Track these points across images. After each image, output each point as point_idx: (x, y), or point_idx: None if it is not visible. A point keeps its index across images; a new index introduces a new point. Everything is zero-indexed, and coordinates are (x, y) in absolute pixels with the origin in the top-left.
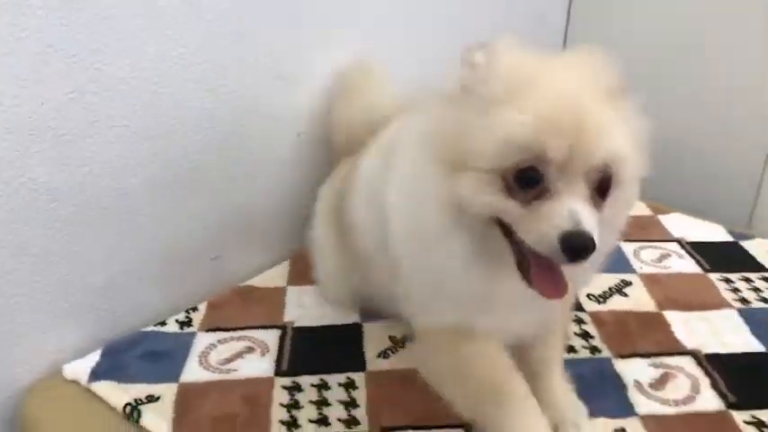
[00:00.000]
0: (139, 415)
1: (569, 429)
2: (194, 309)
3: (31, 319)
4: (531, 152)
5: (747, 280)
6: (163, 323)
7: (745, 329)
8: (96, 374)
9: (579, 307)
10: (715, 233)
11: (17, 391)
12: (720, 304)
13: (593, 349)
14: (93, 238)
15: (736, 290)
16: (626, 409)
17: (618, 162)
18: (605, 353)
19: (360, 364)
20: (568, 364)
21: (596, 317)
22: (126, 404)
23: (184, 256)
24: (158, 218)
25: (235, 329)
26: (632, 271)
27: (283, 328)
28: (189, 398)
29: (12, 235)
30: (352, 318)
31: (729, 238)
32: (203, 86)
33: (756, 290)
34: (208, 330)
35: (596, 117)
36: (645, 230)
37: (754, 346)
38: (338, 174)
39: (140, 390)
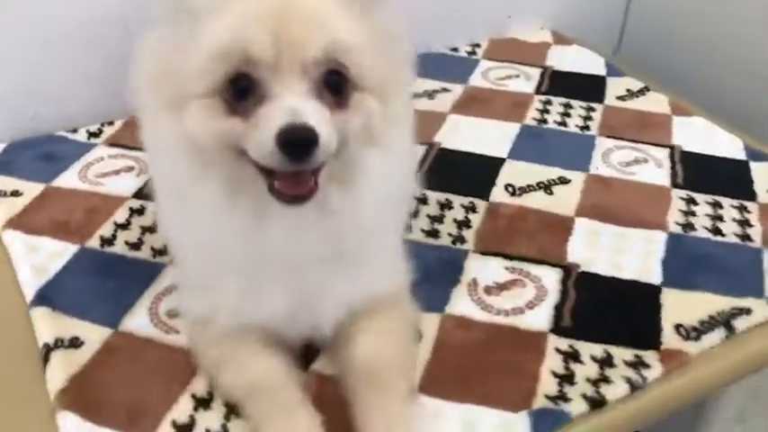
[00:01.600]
0: None
1: None
2: (111, 123)
3: None
4: (236, 57)
5: (716, 205)
6: (75, 130)
7: (657, 256)
8: None
9: (484, 196)
10: (726, 147)
11: None
12: (656, 225)
13: (459, 239)
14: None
15: (691, 213)
16: (439, 305)
17: (343, 53)
18: (468, 245)
19: None
20: (421, 247)
21: (495, 208)
22: None
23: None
24: None
25: (133, 149)
26: (583, 169)
27: None
28: (48, 196)
29: None
30: None
31: (740, 156)
32: None
33: (716, 218)
34: (110, 145)
35: (307, 4)
36: (643, 131)
37: (648, 276)
38: None
39: (9, 184)
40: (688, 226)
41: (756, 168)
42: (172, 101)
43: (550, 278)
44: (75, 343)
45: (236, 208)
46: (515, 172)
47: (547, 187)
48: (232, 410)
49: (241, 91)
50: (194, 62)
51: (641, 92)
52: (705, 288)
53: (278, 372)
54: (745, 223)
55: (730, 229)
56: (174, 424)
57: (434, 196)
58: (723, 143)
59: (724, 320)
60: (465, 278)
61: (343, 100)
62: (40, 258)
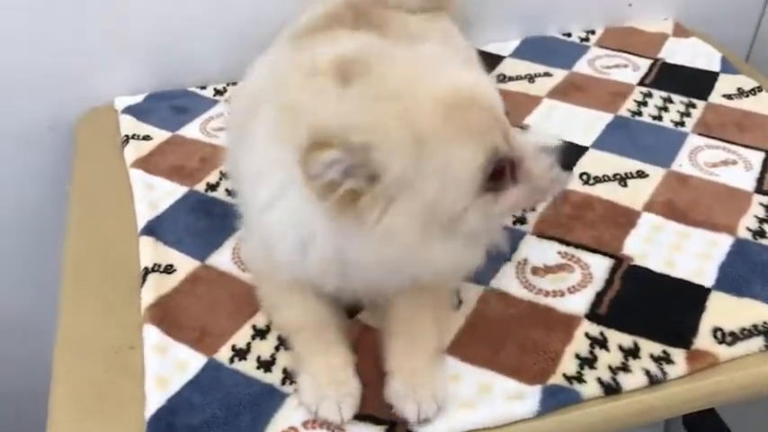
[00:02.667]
0: (126, 144)
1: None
2: (235, 82)
3: (98, 59)
4: (489, 157)
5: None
6: (204, 87)
7: (717, 259)
8: (128, 109)
9: None
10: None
11: (78, 116)
12: (725, 228)
13: (520, 220)
14: None
15: None
16: (485, 278)
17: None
18: (527, 227)
19: None
20: None
21: (564, 195)
22: (124, 135)
23: (244, 29)
24: None
25: None
26: (665, 165)
27: None
28: (172, 143)
29: None
30: None
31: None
32: None
33: None
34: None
35: (480, 87)
36: (742, 132)
37: (701, 277)
38: None
39: (144, 129)
40: (759, 233)
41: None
42: (445, 228)
43: (600, 266)
44: (168, 269)
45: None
46: (594, 161)
47: (622, 179)
48: (282, 343)
49: (498, 173)
50: (451, 186)
51: (753, 91)
52: (758, 297)
53: (322, 314)
54: None
55: None
56: (234, 348)
57: None
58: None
59: (766, 330)
60: (516, 257)
61: None
62: (155, 195)
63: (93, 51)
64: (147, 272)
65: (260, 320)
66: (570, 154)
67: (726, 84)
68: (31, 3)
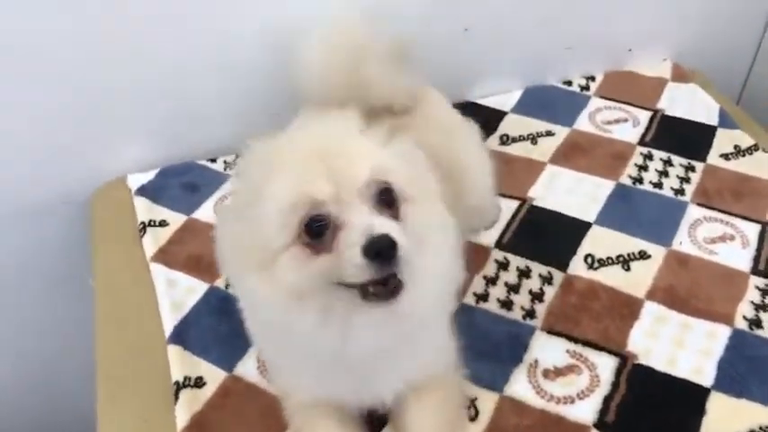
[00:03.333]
0: (144, 233)
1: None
2: None
3: (110, 136)
4: (303, 204)
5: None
6: (213, 160)
7: (715, 355)
8: (142, 190)
9: (563, 265)
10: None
11: (93, 188)
12: (722, 317)
13: (529, 314)
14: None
15: (763, 307)
16: (500, 384)
17: (384, 173)
18: (537, 321)
19: None
20: (495, 321)
21: (570, 281)
22: (141, 222)
23: (256, 106)
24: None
25: None
26: (666, 243)
27: None
28: (188, 229)
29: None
30: None
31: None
32: None
33: None
34: None
35: (344, 145)
36: (739, 200)
37: (700, 376)
38: None
39: (159, 213)
40: (755, 323)
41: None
42: (259, 263)
43: (606, 367)
44: (198, 383)
45: (327, 327)
46: (598, 240)
47: (625, 262)
48: None
49: (317, 231)
50: (271, 222)
51: (749, 150)
52: (756, 398)
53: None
54: None
55: None
56: None
57: (515, 262)
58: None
59: None
60: (528, 358)
61: (396, 212)
62: (178, 294)
63: (104, 125)
64: (178, 387)
65: None
66: (383, 246)
67: (724, 141)
68: (43, 76)
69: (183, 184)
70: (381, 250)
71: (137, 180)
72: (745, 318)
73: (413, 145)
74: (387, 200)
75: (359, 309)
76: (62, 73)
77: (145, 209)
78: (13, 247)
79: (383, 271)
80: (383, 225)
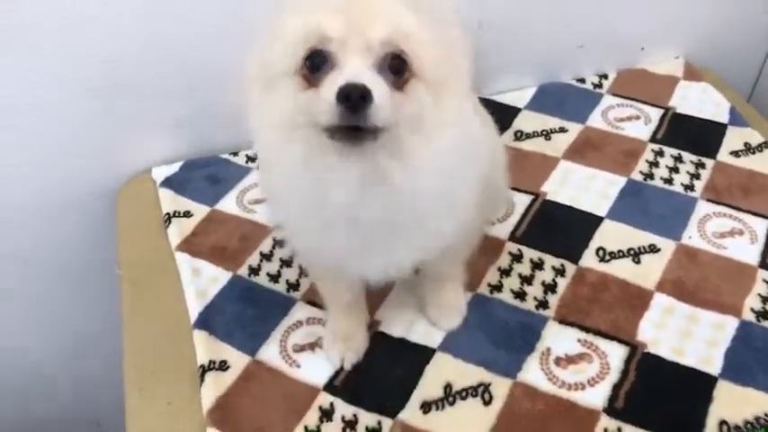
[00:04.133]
0: (169, 224)
1: (433, 311)
2: None
3: (135, 131)
4: (312, 37)
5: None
6: (236, 153)
7: (723, 345)
8: (166, 181)
9: (575, 258)
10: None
11: (120, 182)
12: (730, 308)
13: (542, 304)
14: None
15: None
16: (513, 371)
17: (404, 40)
18: (550, 312)
19: None
20: (509, 310)
21: (582, 273)
22: (166, 213)
23: None
24: None
25: None
26: (675, 238)
27: None
28: (211, 220)
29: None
30: None
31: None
32: None
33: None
34: None
35: None
36: (748, 196)
37: (708, 365)
38: None
39: (183, 204)
40: (762, 315)
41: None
42: (266, 85)
43: (616, 355)
44: (222, 366)
45: (309, 171)
46: (610, 234)
47: (636, 255)
48: None
49: (316, 65)
50: (279, 47)
51: (759, 148)
52: (762, 387)
53: (349, 294)
54: None
55: None
56: None
57: (529, 254)
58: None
59: (765, 424)
60: (540, 346)
61: (401, 83)
62: (202, 283)
63: (130, 121)
64: (204, 370)
65: (310, 420)
66: (356, 93)
67: (734, 138)
68: (72, 76)
69: (205, 176)
70: (351, 96)
71: (161, 173)
72: (752, 310)
73: (457, 25)
74: (396, 67)
75: (334, 158)
76: (90, 72)
77: (169, 200)
78: (47, 240)
79: (350, 119)
80: (368, 77)
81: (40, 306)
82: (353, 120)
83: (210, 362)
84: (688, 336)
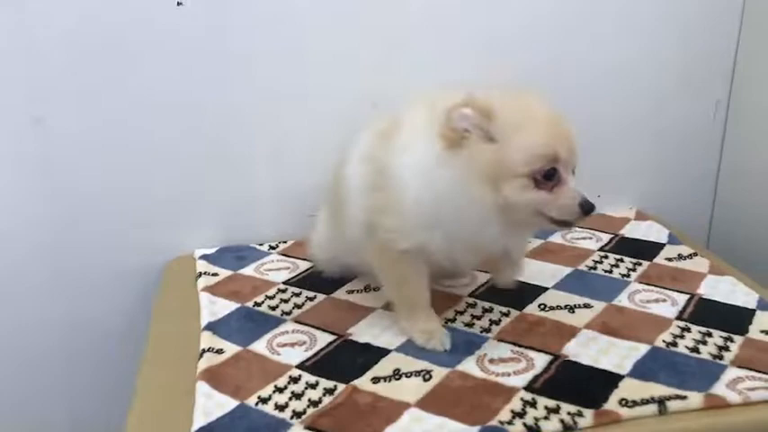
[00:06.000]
0: (198, 278)
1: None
2: (285, 241)
3: (184, 220)
4: (551, 157)
5: (707, 334)
6: (261, 244)
7: (634, 358)
8: (204, 256)
9: (520, 308)
10: (742, 298)
11: (168, 261)
12: (645, 340)
13: (486, 330)
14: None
15: (681, 336)
16: (452, 364)
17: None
18: (491, 335)
19: None
20: (458, 332)
21: (524, 315)
22: (198, 272)
23: (293, 204)
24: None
25: (301, 258)
26: (607, 300)
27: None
28: (232, 279)
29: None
30: None
31: (751, 305)
32: None
33: (701, 342)
34: (280, 254)
35: (572, 132)
36: (675, 282)
37: (619, 369)
38: None
39: (213, 269)
40: (672, 344)
41: (761, 315)
42: (492, 179)
43: (542, 360)
44: (218, 351)
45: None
46: (552, 296)
47: (572, 309)
48: (294, 396)
49: (549, 176)
50: (519, 156)
51: (689, 256)
52: (662, 382)
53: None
54: (723, 348)
55: (708, 350)
56: (259, 397)
57: (482, 304)
58: (741, 294)
59: (659, 400)
60: (479, 352)
61: None
62: (216, 308)
63: (180, 213)
64: (203, 351)
65: (280, 383)
66: (591, 209)
67: (669, 251)
68: (134, 172)
69: (235, 256)
70: (589, 209)
71: (201, 251)
72: (664, 341)
73: None
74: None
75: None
76: (148, 170)
77: (203, 266)
78: (97, 308)
79: (584, 217)
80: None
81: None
82: (584, 217)
83: (209, 347)
84: (606, 352)
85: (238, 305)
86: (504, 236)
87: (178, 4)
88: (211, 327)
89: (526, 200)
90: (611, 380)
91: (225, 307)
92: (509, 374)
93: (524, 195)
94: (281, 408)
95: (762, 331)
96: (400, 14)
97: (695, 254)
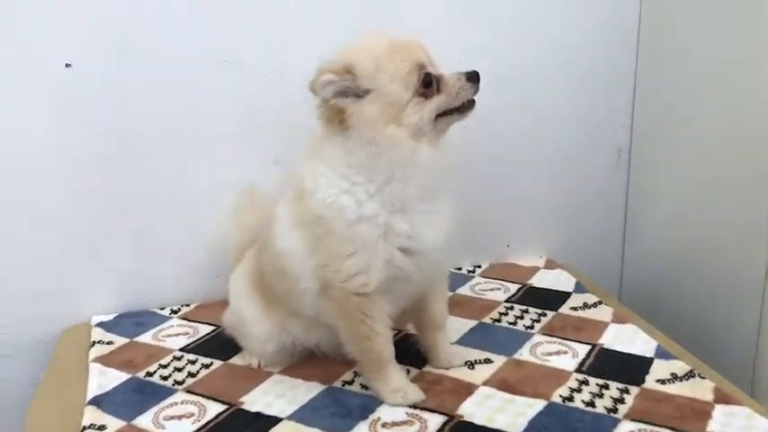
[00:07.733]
0: (92, 347)
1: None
2: (188, 304)
3: (79, 285)
4: (417, 68)
5: (604, 386)
6: (163, 308)
7: (528, 416)
8: (101, 324)
9: (420, 366)
10: (644, 347)
11: (63, 331)
12: (542, 395)
13: None
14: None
15: (578, 390)
16: (344, 429)
17: None
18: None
19: None
20: (348, 393)
21: (421, 374)
22: (92, 341)
23: (198, 269)
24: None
25: (202, 323)
26: (508, 354)
27: None
28: (127, 347)
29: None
30: None
31: (649, 354)
32: None
33: (597, 395)
34: (181, 318)
35: (417, 39)
36: (578, 332)
37: (513, 428)
38: (248, 257)
39: (108, 336)
40: (568, 398)
41: (658, 364)
42: (392, 118)
43: (435, 421)
44: (101, 428)
45: (435, 152)
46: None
47: (472, 365)
48: None
49: (428, 81)
50: (396, 86)
51: (594, 305)
52: None
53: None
54: (619, 401)
55: (603, 403)
56: None
57: None
58: (641, 343)
59: None
60: (372, 416)
61: None
62: (105, 380)
63: (76, 279)
64: (83, 429)
65: None
66: (476, 74)
67: (575, 300)
68: (29, 237)
69: (133, 322)
70: (476, 75)
71: (98, 319)
72: (560, 396)
73: None
74: None
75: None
76: (46, 235)
77: (99, 334)
78: None
79: (475, 88)
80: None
81: None
82: (476, 89)
83: (91, 424)
84: (502, 411)
85: (129, 376)
86: (439, 156)
87: (66, 65)
88: (96, 401)
89: (428, 112)
90: None
91: (115, 378)
92: None
93: (424, 111)
94: None
95: (657, 380)
96: None
97: (600, 302)
